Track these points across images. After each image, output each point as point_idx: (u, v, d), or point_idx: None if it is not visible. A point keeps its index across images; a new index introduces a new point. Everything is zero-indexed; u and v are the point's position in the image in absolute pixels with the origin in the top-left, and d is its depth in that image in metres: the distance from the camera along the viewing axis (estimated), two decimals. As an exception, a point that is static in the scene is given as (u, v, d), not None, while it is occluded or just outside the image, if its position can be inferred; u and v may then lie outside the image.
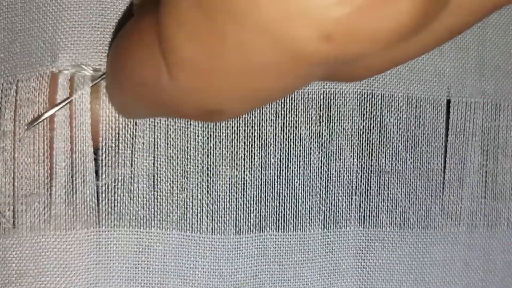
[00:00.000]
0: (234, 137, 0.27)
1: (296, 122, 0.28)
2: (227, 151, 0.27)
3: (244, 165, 0.27)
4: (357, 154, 0.28)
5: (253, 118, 0.27)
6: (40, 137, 0.25)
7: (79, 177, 0.25)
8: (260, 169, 0.28)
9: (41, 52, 0.25)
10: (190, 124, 0.27)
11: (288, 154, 0.28)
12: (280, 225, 0.28)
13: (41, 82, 0.25)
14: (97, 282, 0.26)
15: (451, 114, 0.29)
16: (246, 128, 0.27)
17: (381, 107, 0.28)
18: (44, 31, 0.25)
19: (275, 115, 0.28)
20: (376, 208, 0.29)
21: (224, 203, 0.27)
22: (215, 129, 0.27)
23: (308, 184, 0.28)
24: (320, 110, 0.28)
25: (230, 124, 0.27)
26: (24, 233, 0.25)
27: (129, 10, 0.25)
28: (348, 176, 0.28)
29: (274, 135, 0.28)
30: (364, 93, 0.28)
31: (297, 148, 0.28)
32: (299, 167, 0.28)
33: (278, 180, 0.28)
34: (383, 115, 0.28)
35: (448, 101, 0.29)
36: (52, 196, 0.25)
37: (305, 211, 0.28)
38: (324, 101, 0.28)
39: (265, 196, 0.28)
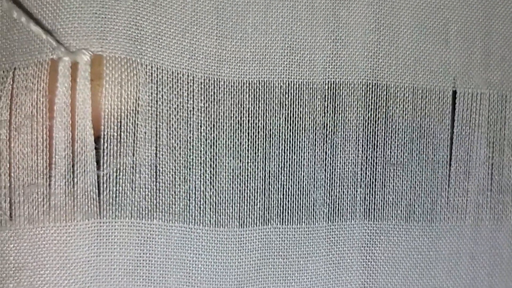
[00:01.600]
0: (238, 127, 0.27)
1: (300, 113, 0.27)
2: (230, 142, 0.27)
3: (247, 157, 0.27)
4: (362, 145, 0.28)
5: (257, 109, 0.27)
6: (38, 126, 0.24)
7: (80, 167, 0.24)
8: (264, 161, 0.27)
9: (40, 39, 0.24)
10: (193, 114, 0.26)
11: (292, 145, 0.27)
12: (284, 218, 0.27)
13: (40, 70, 0.24)
14: (98, 275, 0.25)
15: (457, 105, 0.29)
16: (250, 119, 0.27)
17: (386, 98, 0.28)
18: (43, 18, 0.24)
19: (279, 106, 0.27)
20: (381, 201, 0.28)
21: (227, 195, 0.27)
22: (218, 120, 0.26)
23: (312, 176, 0.27)
24: (325, 101, 0.28)
25: (233, 115, 0.27)
26: (22, 225, 0.24)
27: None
28: (352, 168, 0.28)
29: (278, 126, 0.27)
30: (369, 83, 0.28)
31: (301, 140, 0.27)
32: (303, 159, 0.27)
33: (282, 172, 0.27)
34: (389, 106, 0.28)
35: (454, 92, 0.29)
36: (51, 187, 0.24)
37: (309, 204, 0.28)
38: (329, 92, 0.28)
39: (269, 188, 0.27)
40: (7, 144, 0.24)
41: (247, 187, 0.27)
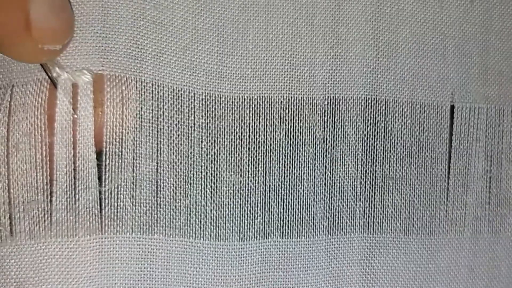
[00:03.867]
0: (238, 143, 0.27)
1: (300, 127, 0.28)
2: (230, 157, 0.27)
3: (248, 171, 0.27)
4: (361, 160, 0.28)
5: (258, 124, 0.27)
6: (37, 143, 0.24)
7: (82, 183, 0.25)
8: (264, 175, 0.27)
9: None
10: (194, 130, 0.26)
11: (292, 160, 0.28)
12: (284, 231, 0.28)
13: (39, 87, 0.24)
14: (99, 290, 0.25)
15: (455, 119, 0.29)
16: (250, 134, 0.27)
17: (385, 113, 0.28)
18: None
19: (279, 121, 0.27)
20: (380, 214, 0.28)
21: (227, 209, 0.27)
22: (219, 135, 0.27)
23: (312, 190, 0.28)
24: (324, 116, 0.28)
25: (233, 130, 0.27)
26: (23, 241, 0.24)
27: (132, 16, 0.25)
28: (352, 182, 0.28)
29: (278, 140, 0.27)
30: (368, 98, 0.28)
31: (301, 154, 0.28)
32: (303, 173, 0.28)
33: (282, 186, 0.27)
34: (387, 121, 0.28)
35: (452, 107, 0.29)
36: (53, 203, 0.24)
37: (309, 217, 0.28)
38: (328, 107, 0.28)
39: (269, 202, 0.27)
40: (5, 161, 0.24)
41: (247, 201, 0.27)
